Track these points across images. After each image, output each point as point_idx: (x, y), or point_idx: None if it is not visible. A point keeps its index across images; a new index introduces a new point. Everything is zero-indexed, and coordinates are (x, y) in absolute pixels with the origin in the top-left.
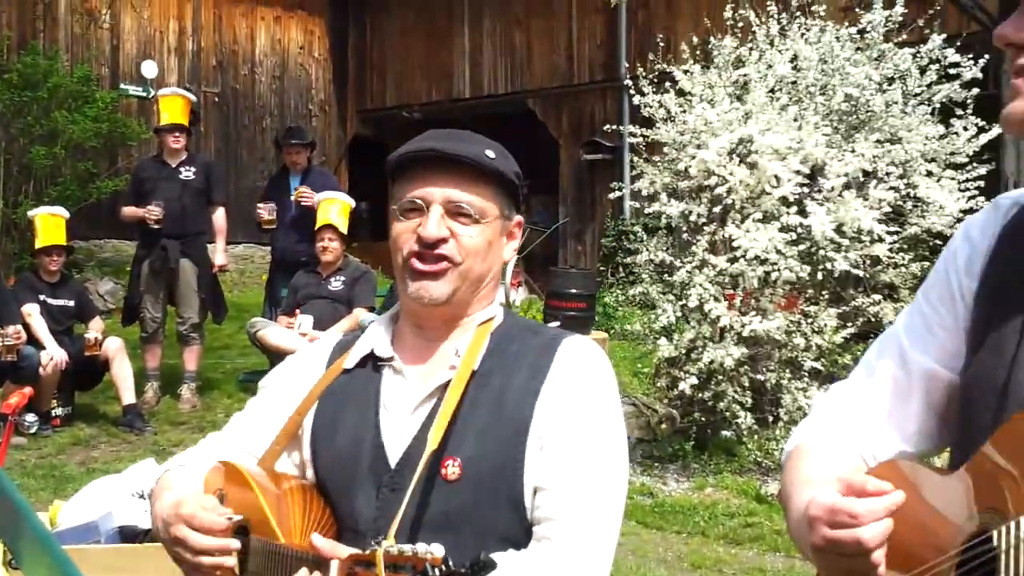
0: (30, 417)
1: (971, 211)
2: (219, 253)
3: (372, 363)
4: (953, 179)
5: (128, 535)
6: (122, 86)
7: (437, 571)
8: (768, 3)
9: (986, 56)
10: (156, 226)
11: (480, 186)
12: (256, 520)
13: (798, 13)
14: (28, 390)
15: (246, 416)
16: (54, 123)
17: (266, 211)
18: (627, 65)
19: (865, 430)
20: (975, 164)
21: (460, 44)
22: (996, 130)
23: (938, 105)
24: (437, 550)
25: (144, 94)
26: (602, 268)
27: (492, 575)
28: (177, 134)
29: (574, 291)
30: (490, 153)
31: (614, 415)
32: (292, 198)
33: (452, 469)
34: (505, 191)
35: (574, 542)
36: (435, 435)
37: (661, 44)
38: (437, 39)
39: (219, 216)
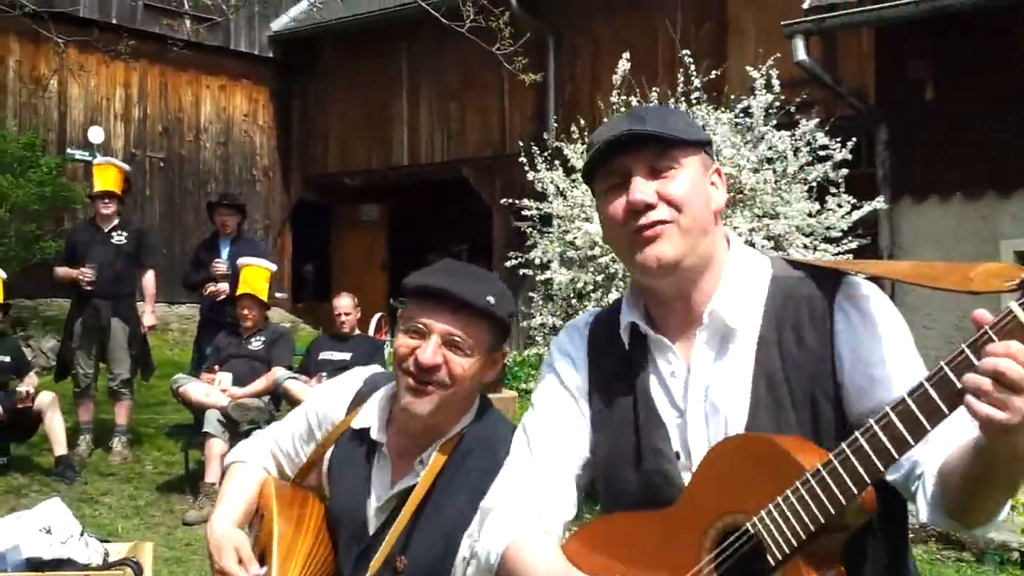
0: None
1: None
2: (147, 314)
3: (370, 445)
4: (826, 252)
5: (34, 566)
6: (68, 151)
7: None
8: (651, 91)
9: (853, 139)
10: (89, 287)
11: (476, 325)
12: (269, 548)
13: (681, 97)
14: None
15: (292, 426)
16: None
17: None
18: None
19: (543, 514)
20: (851, 238)
21: (398, 114)
22: (868, 207)
23: (814, 184)
24: None
25: (90, 158)
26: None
27: None
28: (107, 200)
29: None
30: (491, 299)
31: None
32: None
33: (400, 564)
34: (497, 330)
35: None
36: (391, 537)
37: (555, 124)
38: (377, 109)
39: (149, 279)
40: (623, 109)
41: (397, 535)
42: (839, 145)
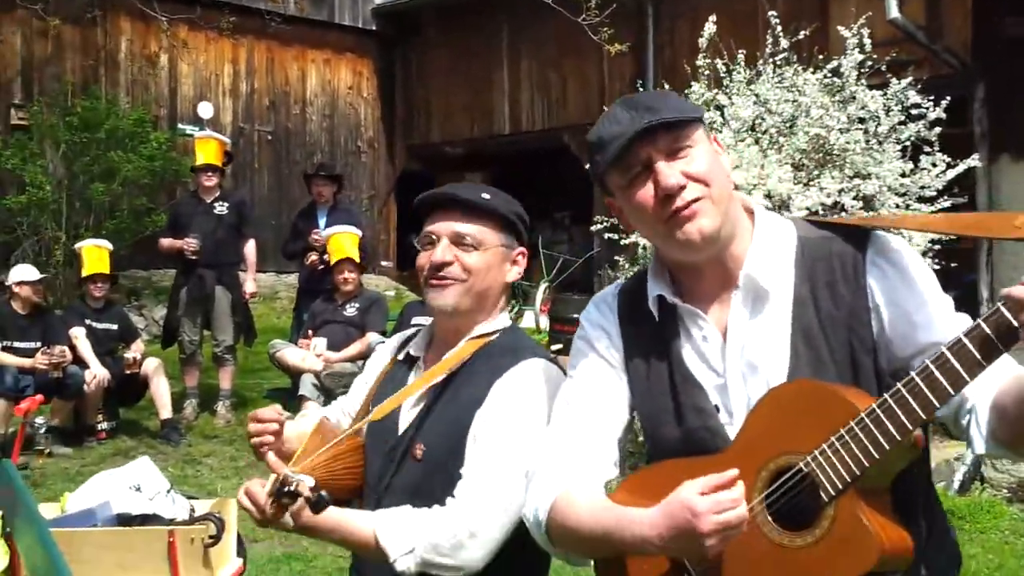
0: (39, 420)
1: (938, 242)
2: (249, 281)
3: (410, 358)
4: (919, 211)
5: (124, 520)
6: (179, 126)
7: (286, 488)
8: (738, 53)
9: (948, 98)
10: (193, 257)
11: (479, 222)
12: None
13: (769, 59)
14: (39, 397)
15: (352, 389)
16: (111, 162)
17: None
18: None
19: (585, 473)
20: (946, 197)
21: (499, 83)
22: (963, 165)
23: (908, 144)
24: (307, 480)
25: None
26: None
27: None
28: (210, 173)
29: (575, 316)
30: (486, 195)
31: (525, 429)
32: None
33: (419, 450)
34: (504, 226)
35: (461, 508)
36: (391, 403)
37: (640, 88)
38: (477, 79)
39: (250, 248)
40: (707, 73)
41: (416, 426)
42: (932, 103)
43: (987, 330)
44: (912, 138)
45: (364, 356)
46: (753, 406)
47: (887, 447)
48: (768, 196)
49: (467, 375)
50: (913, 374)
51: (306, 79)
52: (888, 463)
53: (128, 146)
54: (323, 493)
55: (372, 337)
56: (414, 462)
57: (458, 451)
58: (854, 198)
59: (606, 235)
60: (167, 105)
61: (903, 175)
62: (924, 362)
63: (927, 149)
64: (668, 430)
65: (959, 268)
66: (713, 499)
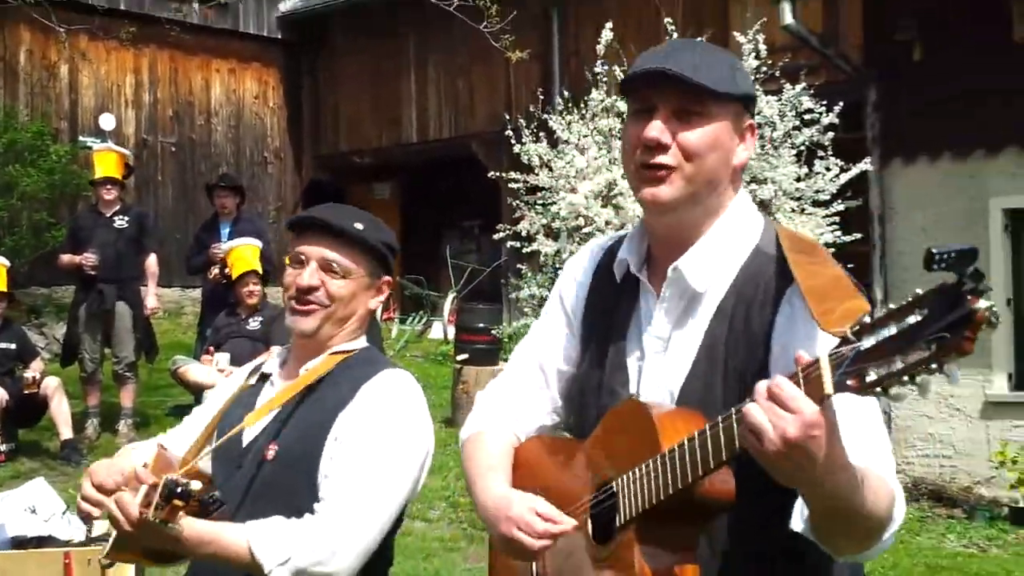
0: None
1: (833, 244)
2: (151, 296)
3: (262, 377)
4: (814, 215)
5: (19, 543)
6: (80, 138)
7: (179, 489)
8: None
9: (841, 103)
10: (92, 272)
11: (349, 249)
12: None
13: None
14: None
15: (191, 417)
16: (9, 176)
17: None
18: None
19: (517, 414)
20: (840, 201)
21: (407, 92)
22: (856, 169)
23: (803, 149)
24: (195, 484)
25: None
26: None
27: (268, 529)
28: (109, 186)
29: (480, 325)
30: (359, 225)
31: (397, 433)
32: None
33: (271, 451)
34: (372, 256)
35: (334, 516)
36: (252, 418)
37: (541, 96)
38: (385, 88)
39: (151, 262)
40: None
41: (267, 428)
42: (825, 108)
43: (720, 428)
44: (806, 143)
45: None
46: (608, 411)
47: (671, 491)
48: None
49: (329, 385)
50: (707, 424)
51: (210, 89)
52: (686, 510)
53: (27, 160)
54: (216, 493)
55: (276, 351)
56: (266, 463)
57: (315, 450)
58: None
59: (509, 243)
60: (67, 117)
61: (798, 179)
62: (717, 417)
63: (821, 154)
64: (588, 404)
65: (855, 270)
66: (529, 519)
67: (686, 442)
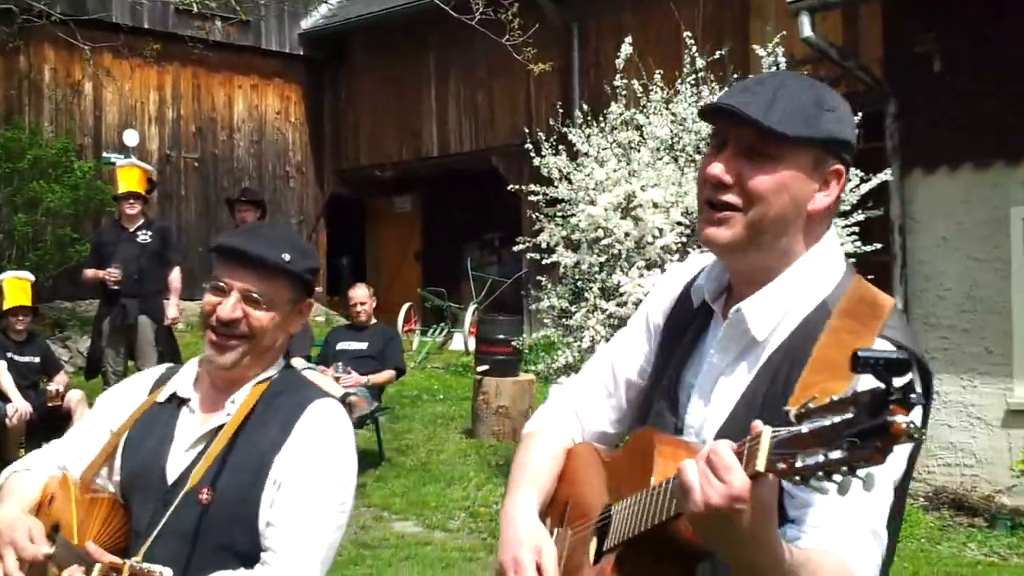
0: None
1: (853, 254)
2: (172, 307)
3: (177, 400)
4: (835, 224)
5: None
6: (104, 155)
7: None
8: (656, 72)
9: (860, 114)
10: (115, 287)
11: (273, 281)
12: (66, 522)
13: (687, 79)
14: None
15: (83, 427)
16: (34, 192)
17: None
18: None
19: (581, 417)
20: (861, 211)
21: (427, 106)
22: (877, 179)
23: None
24: (167, 572)
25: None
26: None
27: None
28: (132, 201)
29: (501, 336)
30: (286, 256)
31: (336, 470)
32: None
33: (206, 494)
34: (297, 285)
35: (288, 569)
36: (198, 471)
37: (560, 109)
38: (406, 102)
39: (174, 276)
40: (625, 93)
41: (204, 471)
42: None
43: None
44: None
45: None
46: (632, 434)
47: (649, 526)
48: (686, 213)
49: (258, 424)
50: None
51: (233, 105)
52: (669, 548)
53: (52, 176)
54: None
55: (296, 362)
56: (198, 506)
57: (253, 496)
58: None
59: (529, 255)
60: (91, 134)
61: None
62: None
63: None
64: (639, 422)
65: (876, 280)
66: (528, 567)
67: (665, 482)
